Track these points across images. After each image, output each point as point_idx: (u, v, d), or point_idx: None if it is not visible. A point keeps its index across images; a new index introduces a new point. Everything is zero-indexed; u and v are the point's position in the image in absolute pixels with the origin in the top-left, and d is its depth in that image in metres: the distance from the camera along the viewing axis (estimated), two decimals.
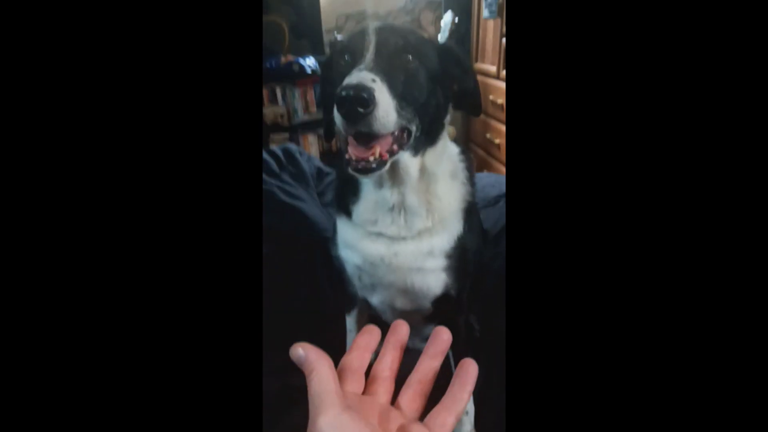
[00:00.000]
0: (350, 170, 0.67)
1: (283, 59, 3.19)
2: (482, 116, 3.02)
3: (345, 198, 0.83)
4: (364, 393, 0.42)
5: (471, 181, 0.85)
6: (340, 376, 0.41)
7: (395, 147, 0.69)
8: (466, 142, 3.41)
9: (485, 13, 2.87)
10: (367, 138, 0.65)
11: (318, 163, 1.76)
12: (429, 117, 0.73)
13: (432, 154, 0.78)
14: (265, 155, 1.64)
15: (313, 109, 3.38)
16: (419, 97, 0.70)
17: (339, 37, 3.29)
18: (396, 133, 0.68)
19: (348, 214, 0.83)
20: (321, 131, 3.50)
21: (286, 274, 1.21)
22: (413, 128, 0.70)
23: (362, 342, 0.45)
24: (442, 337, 0.45)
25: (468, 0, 3.16)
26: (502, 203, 1.63)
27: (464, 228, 0.83)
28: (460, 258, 0.82)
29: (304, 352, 0.38)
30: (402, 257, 0.80)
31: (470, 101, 0.84)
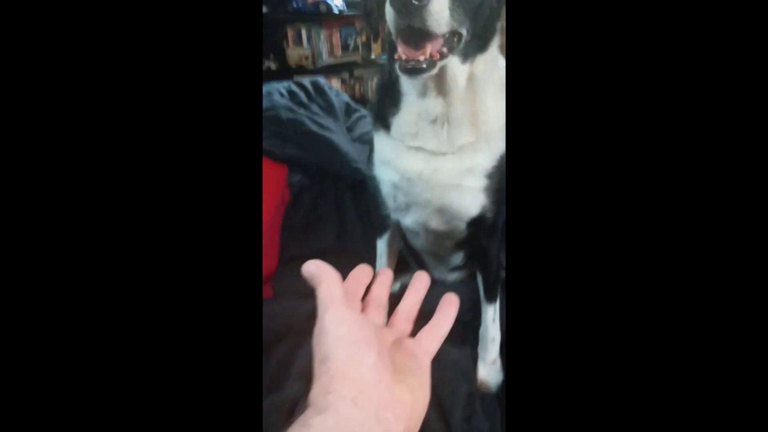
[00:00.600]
0: (399, 70, 0.65)
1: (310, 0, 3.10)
2: None
3: (385, 109, 0.80)
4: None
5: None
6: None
7: (445, 49, 0.66)
8: None
9: None
10: (418, 37, 0.62)
11: (346, 98, 1.73)
12: (481, 19, 0.69)
13: (482, 61, 0.74)
14: (293, 87, 1.61)
15: (339, 52, 3.30)
16: (475, 6, 0.67)
17: None
18: (447, 35, 0.65)
19: (387, 127, 0.80)
20: (345, 75, 3.44)
21: (312, 208, 1.21)
22: (464, 31, 0.67)
23: (356, 273, 0.47)
24: (421, 278, 0.51)
25: None
26: None
27: (503, 146, 0.79)
28: (501, 179, 0.80)
29: (315, 267, 0.42)
30: (441, 173, 0.78)
31: None
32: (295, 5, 3.12)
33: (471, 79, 0.74)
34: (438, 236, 0.91)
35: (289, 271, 1.10)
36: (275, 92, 1.56)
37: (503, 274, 1.01)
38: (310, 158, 1.28)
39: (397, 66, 0.65)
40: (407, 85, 0.75)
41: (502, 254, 1.01)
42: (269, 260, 1.12)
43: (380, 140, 0.83)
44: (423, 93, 0.74)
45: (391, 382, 0.36)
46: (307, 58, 3.21)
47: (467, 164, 0.78)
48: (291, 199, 1.22)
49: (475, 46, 0.71)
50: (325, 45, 3.23)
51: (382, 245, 0.99)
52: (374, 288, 0.48)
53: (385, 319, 0.47)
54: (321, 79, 1.71)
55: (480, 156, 0.78)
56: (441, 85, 0.73)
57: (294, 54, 3.21)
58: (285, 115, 1.40)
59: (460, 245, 0.95)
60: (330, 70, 3.28)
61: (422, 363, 0.41)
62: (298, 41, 3.22)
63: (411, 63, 0.63)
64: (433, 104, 0.74)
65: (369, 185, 0.92)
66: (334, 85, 3.24)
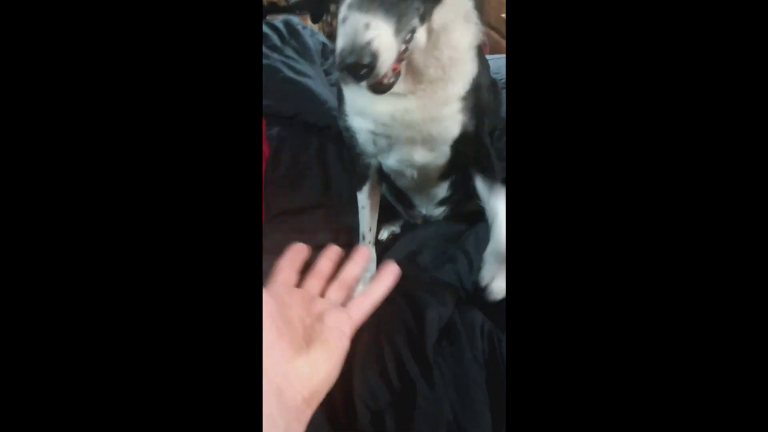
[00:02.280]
0: (369, 90, 0.67)
1: None
2: None
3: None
4: (299, 286, 0.49)
5: (482, 19, 0.83)
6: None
7: (404, 47, 0.66)
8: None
9: None
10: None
11: (322, 38, 1.62)
12: None
13: (439, 12, 0.73)
14: (265, 29, 1.50)
15: None
16: None
17: None
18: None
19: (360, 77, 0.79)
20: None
21: (293, 162, 1.16)
22: (415, 23, 0.67)
23: (291, 251, 0.50)
24: (362, 251, 0.53)
25: None
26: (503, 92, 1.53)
27: (478, 68, 0.82)
28: (477, 96, 0.82)
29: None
30: (415, 111, 0.79)
31: None
32: None
33: (430, 32, 0.73)
34: (424, 169, 0.91)
35: (275, 228, 1.07)
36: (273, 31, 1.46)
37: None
38: (288, 108, 1.22)
39: (365, 86, 0.66)
40: None
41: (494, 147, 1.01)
42: None
43: (349, 90, 0.82)
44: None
45: (291, 356, 0.40)
46: None
47: (440, 96, 0.79)
48: (270, 153, 1.16)
49: (428, 6, 0.69)
50: None
51: (362, 197, 0.99)
52: (318, 260, 0.52)
53: (319, 290, 0.50)
54: (294, 19, 1.59)
55: (450, 86, 0.79)
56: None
57: None
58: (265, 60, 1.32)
59: (445, 174, 0.96)
60: (305, 7, 3.08)
61: (339, 334, 0.43)
62: None
63: (378, 86, 0.66)
64: None
65: (344, 137, 0.90)
66: (309, 23, 3.11)
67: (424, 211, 1.11)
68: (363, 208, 0.99)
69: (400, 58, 0.66)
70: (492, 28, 2.92)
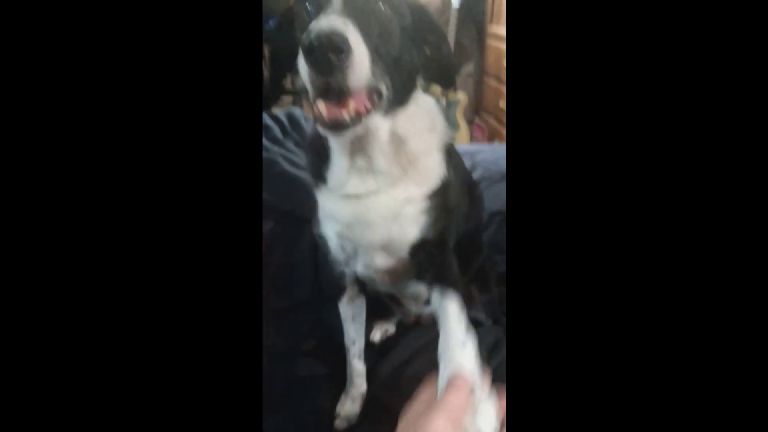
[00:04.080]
0: (321, 128, 0.61)
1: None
2: (495, 84, 2.90)
3: (319, 163, 0.79)
4: None
5: (452, 123, 0.83)
6: None
7: (368, 105, 0.63)
8: (477, 110, 3.29)
9: None
10: (339, 94, 0.58)
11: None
12: (400, 75, 0.68)
13: (403, 116, 0.73)
14: (268, 121, 1.55)
15: None
16: (392, 50, 0.65)
17: None
18: (367, 91, 0.62)
19: (324, 180, 0.79)
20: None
21: (287, 256, 1.14)
22: (383, 88, 0.64)
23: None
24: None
25: None
26: (500, 185, 1.53)
27: (446, 169, 0.80)
28: (444, 197, 0.79)
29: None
30: (376, 210, 0.77)
31: (442, 69, 0.79)
32: (271, 24, 3.06)
33: (393, 133, 0.73)
34: (391, 274, 0.87)
35: (266, 325, 1.03)
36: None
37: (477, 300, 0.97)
38: (283, 204, 1.22)
39: (319, 124, 0.61)
40: (333, 142, 0.74)
41: (474, 287, 0.96)
42: None
43: (321, 195, 0.82)
44: (347, 148, 0.73)
45: None
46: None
47: (402, 196, 0.77)
48: (265, 248, 1.15)
49: (394, 102, 0.69)
50: None
51: (343, 308, 0.95)
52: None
53: None
54: (296, 110, 1.64)
55: (415, 187, 0.77)
56: (362, 140, 0.72)
57: None
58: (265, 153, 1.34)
59: (418, 277, 0.90)
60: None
61: None
62: None
63: (334, 120, 0.59)
64: (357, 158, 0.74)
65: (319, 245, 0.89)
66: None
67: (414, 309, 1.07)
68: (345, 319, 0.95)
69: (366, 105, 0.62)
70: (489, 114, 3.02)
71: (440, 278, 0.82)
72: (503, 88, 2.78)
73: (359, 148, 0.73)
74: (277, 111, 1.65)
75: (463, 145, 2.25)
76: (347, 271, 0.89)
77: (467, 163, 1.63)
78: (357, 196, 0.76)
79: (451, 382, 0.60)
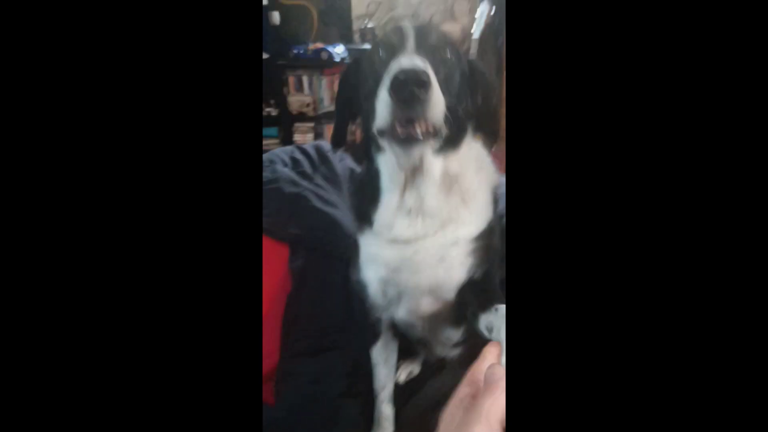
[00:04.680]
0: (395, 142, 0.65)
1: (311, 46, 3.10)
2: None
3: (366, 206, 0.80)
4: None
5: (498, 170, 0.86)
6: None
7: (433, 130, 0.66)
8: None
9: None
10: (413, 122, 0.62)
11: (350, 163, 1.68)
12: (456, 119, 0.70)
13: (455, 159, 0.75)
14: (296, 153, 1.56)
15: None
16: (453, 94, 0.69)
17: (370, 24, 3.18)
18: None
19: (370, 223, 0.80)
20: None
21: (319, 294, 1.15)
22: (443, 128, 0.67)
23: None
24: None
25: None
26: None
27: (492, 212, 0.81)
28: (489, 240, 0.80)
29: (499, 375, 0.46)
30: (423, 253, 0.77)
31: (489, 120, 0.82)
32: (296, 52, 3.13)
33: (445, 173, 0.75)
34: (432, 320, 0.88)
35: (293, 369, 1.02)
36: (278, 160, 1.50)
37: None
38: (314, 238, 1.22)
39: (389, 138, 0.65)
40: (387, 181, 0.76)
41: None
42: (269, 357, 1.05)
43: (365, 239, 0.83)
44: (401, 186, 0.75)
45: None
46: (308, 104, 3.19)
47: (450, 238, 0.78)
48: (293, 287, 1.15)
49: (448, 144, 0.72)
50: (327, 92, 3.22)
51: (376, 354, 0.95)
52: None
53: None
54: (323, 144, 1.66)
55: (463, 228, 0.78)
56: (415, 177, 0.74)
57: (295, 101, 3.19)
58: (288, 188, 1.35)
59: (455, 323, 0.91)
60: (331, 117, 3.26)
61: None
62: (299, 88, 3.21)
63: (408, 133, 0.62)
64: (408, 196, 0.75)
65: (354, 290, 0.89)
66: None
67: (440, 352, 1.06)
68: (376, 364, 0.95)
69: (431, 130, 0.65)
70: None
71: (488, 303, 0.81)
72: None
73: (412, 184, 0.74)
74: (305, 144, 1.67)
75: None
76: (384, 316, 0.89)
77: (492, 164, 1.64)
78: (405, 241, 0.77)
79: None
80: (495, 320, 0.74)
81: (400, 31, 0.70)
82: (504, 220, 0.84)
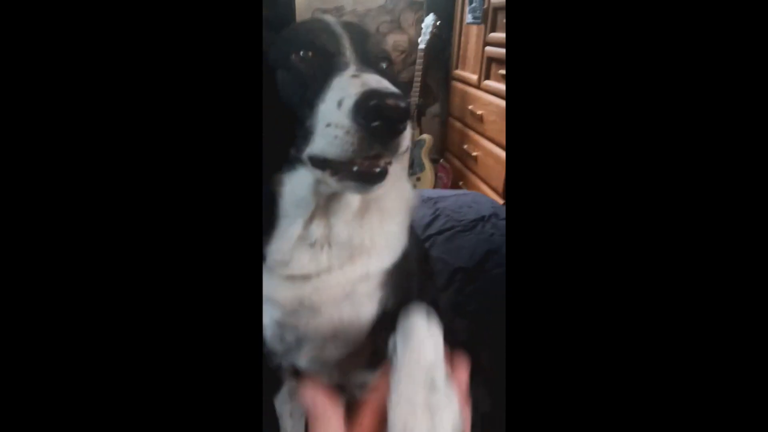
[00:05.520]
0: (351, 181, 0.51)
1: None
2: (460, 126, 2.93)
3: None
4: None
5: (417, 164, 0.76)
6: None
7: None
8: (442, 151, 3.31)
9: (468, 18, 2.76)
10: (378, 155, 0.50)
11: None
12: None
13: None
14: None
15: None
16: None
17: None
18: None
19: (262, 256, 0.66)
20: None
21: None
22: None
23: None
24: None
25: (451, 3, 3.05)
26: (480, 229, 1.50)
27: (408, 235, 0.71)
28: (403, 265, 0.69)
29: (311, 399, 0.44)
30: (324, 291, 0.65)
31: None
32: None
33: (365, 204, 0.65)
34: (341, 367, 0.76)
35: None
36: None
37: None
38: None
39: (341, 174, 0.51)
40: (290, 207, 0.63)
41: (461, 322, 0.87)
42: None
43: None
44: (307, 214, 0.62)
45: None
46: None
47: (359, 272, 0.65)
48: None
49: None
50: None
51: (279, 404, 0.80)
52: None
53: None
54: None
55: (376, 259, 0.66)
56: (329, 205, 0.63)
57: None
58: None
59: (373, 362, 0.79)
60: None
61: None
62: None
63: (370, 169, 0.50)
64: (316, 227, 0.63)
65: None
66: None
67: (359, 395, 0.93)
68: (281, 416, 0.80)
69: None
70: (454, 156, 3.03)
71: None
72: (467, 131, 2.80)
73: (323, 213, 0.63)
74: None
75: (425, 190, 2.22)
76: (284, 363, 0.76)
77: (428, 211, 1.59)
78: (304, 277, 0.64)
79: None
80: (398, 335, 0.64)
81: (327, 29, 0.58)
82: (414, 242, 0.76)
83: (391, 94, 0.46)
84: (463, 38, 2.94)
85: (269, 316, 0.68)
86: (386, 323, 0.69)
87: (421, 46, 2.97)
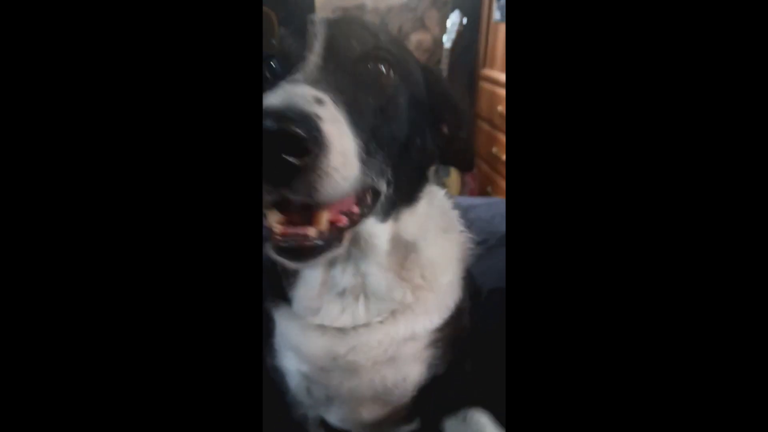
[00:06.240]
0: (273, 252, 0.40)
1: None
2: (488, 128, 2.77)
3: (279, 277, 0.57)
4: None
5: (443, 169, 0.64)
6: None
7: (355, 211, 0.43)
8: None
9: (496, 15, 2.62)
10: (303, 206, 0.39)
11: None
12: (409, 165, 0.48)
13: (410, 218, 0.52)
14: None
15: None
16: (398, 133, 0.45)
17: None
18: (357, 193, 0.42)
19: (287, 300, 0.57)
20: None
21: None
22: (383, 185, 0.45)
23: None
24: None
25: (477, 0, 2.90)
26: (499, 251, 1.30)
27: (462, 290, 0.59)
28: (456, 325, 0.59)
29: None
30: (363, 352, 0.54)
31: (461, 153, 0.59)
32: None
33: (396, 240, 0.52)
34: (379, 426, 0.65)
35: None
36: None
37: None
38: None
39: (270, 245, 0.40)
40: None
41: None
42: None
43: (282, 317, 0.59)
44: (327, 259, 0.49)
45: None
46: None
47: (403, 333, 0.55)
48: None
49: (397, 201, 0.49)
50: None
51: None
52: None
53: None
54: None
55: (423, 318, 0.56)
56: (351, 249, 0.50)
57: None
58: None
59: (411, 415, 0.68)
60: None
61: None
62: None
63: (292, 240, 0.39)
64: (341, 274, 0.52)
65: (271, 377, 0.64)
66: None
67: None
68: None
69: (351, 213, 0.41)
70: (482, 159, 2.87)
71: (454, 405, 0.61)
72: (496, 133, 2.65)
73: (345, 258, 0.52)
74: None
75: (456, 197, 2.07)
76: (311, 414, 0.66)
77: (460, 222, 1.43)
78: (338, 331, 0.54)
79: None
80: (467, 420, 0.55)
81: (304, 28, 0.48)
82: (471, 290, 0.64)
83: (283, 113, 0.34)
84: (490, 36, 2.79)
85: (295, 366, 0.59)
86: (435, 385, 0.59)
87: (447, 45, 2.83)
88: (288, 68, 0.46)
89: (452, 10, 2.85)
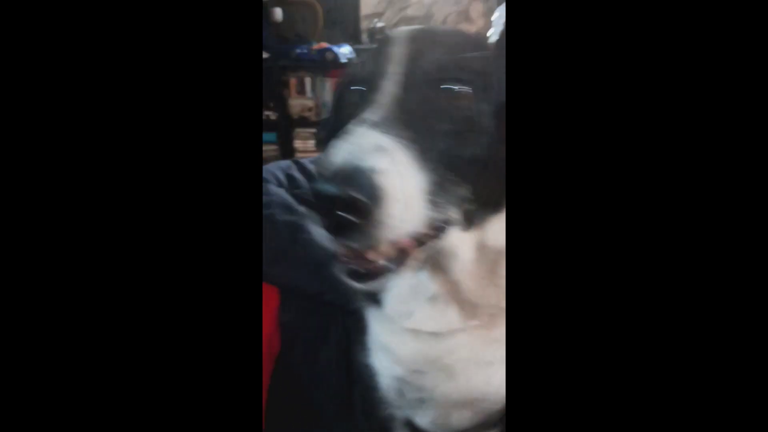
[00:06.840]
0: (343, 275, 0.42)
1: (314, 46, 2.89)
2: None
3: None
4: None
5: None
6: None
7: (424, 233, 0.43)
8: None
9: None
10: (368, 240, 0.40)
11: None
12: (492, 176, 0.46)
13: (497, 225, 0.51)
14: (295, 171, 1.33)
15: None
16: (479, 152, 0.45)
17: (379, 23, 2.98)
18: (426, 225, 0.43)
19: (375, 300, 0.59)
20: None
21: (313, 358, 0.91)
22: (453, 214, 0.45)
23: None
24: None
25: None
26: None
27: None
28: None
29: None
30: (457, 353, 0.56)
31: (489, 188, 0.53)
32: (298, 52, 2.92)
33: (482, 248, 0.52)
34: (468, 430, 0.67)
35: None
36: (272, 178, 1.26)
37: None
38: (309, 284, 0.99)
39: (338, 269, 0.43)
40: None
41: None
42: None
43: (374, 318, 0.61)
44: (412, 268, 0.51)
45: None
46: (310, 109, 2.98)
47: (495, 335, 0.55)
48: (281, 349, 0.92)
49: (483, 210, 0.49)
50: (331, 95, 3.03)
51: None
52: None
53: None
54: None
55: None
56: (435, 261, 0.52)
57: (296, 104, 2.97)
58: (281, 216, 1.11)
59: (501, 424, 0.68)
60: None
61: None
62: (302, 91, 3.00)
63: (361, 265, 0.41)
64: (428, 281, 0.54)
65: (362, 375, 0.66)
66: None
67: None
68: None
69: (421, 238, 0.43)
70: None
71: None
72: None
73: (431, 268, 0.53)
74: (304, 158, 1.45)
75: None
76: (399, 414, 0.67)
77: None
78: (432, 335, 0.55)
79: None
80: None
81: (384, 48, 0.47)
82: None
83: (344, 174, 0.36)
84: None
85: (386, 367, 0.62)
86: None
87: (492, 39, 2.77)
88: (365, 96, 0.45)
89: (499, 3, 2.79)
